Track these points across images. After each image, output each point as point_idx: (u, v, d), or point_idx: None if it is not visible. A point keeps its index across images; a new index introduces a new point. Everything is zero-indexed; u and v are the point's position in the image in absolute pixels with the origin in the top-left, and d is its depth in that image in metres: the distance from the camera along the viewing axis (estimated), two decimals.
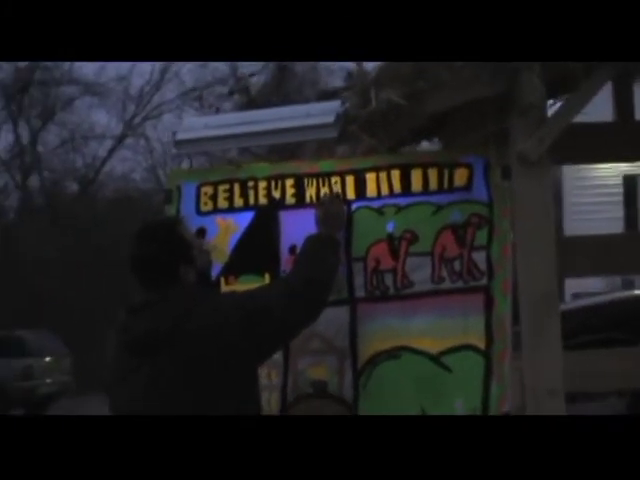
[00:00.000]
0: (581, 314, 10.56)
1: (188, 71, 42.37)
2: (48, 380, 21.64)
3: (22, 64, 33.08)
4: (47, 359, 22.32)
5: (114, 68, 35.71)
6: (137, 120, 35.40)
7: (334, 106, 3.32)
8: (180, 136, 3.61)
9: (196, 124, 3.61)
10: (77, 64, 33.27)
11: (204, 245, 3.55)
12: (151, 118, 35.49)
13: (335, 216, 3.46)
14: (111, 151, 35.69)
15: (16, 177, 36.91)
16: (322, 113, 3.31)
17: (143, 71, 40.85)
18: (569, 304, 13.27)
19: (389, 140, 3.28)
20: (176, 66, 33.55)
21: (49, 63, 32.82)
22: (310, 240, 3.37)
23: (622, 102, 4.10)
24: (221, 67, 28.00)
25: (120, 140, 34.80)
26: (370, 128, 3.22)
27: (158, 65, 33.69)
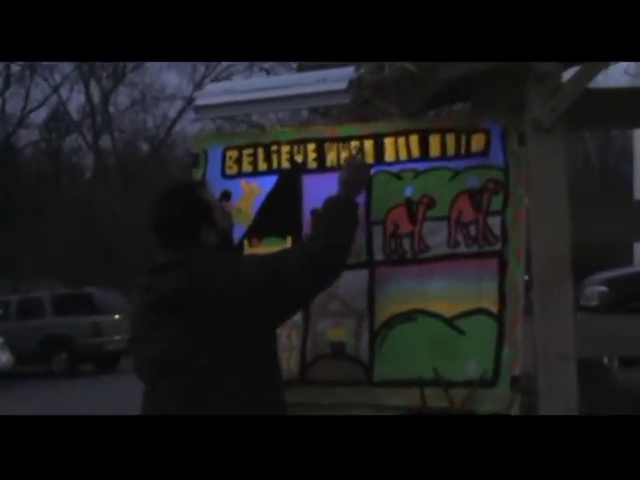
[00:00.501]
0: None
1: None
2: (116, 337, 22.07)
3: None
4: (115, 317, 22.76)
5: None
6: (207, 81, 35.63)
7: (347, 72, 3.36)
8: (199, 102, 3.70)
9: (215, 90, 3.69)
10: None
11: (226, 208, 3.63)
12: (220, 79, 35.73)
13: (359, 178, 3.50)
14: (181, 112, 36.06)
15: (88, 138, 37.48)
16: (336, 79, 3.36)
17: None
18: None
19: (405, 106, 3.30)
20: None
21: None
22: (329, 201, 3.42)
23: None
24: None
25: (190, 101, 35.07)
26: (385, 94, 3.24)
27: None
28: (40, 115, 38.28)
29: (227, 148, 3.85)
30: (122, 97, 37.73)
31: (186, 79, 36.60)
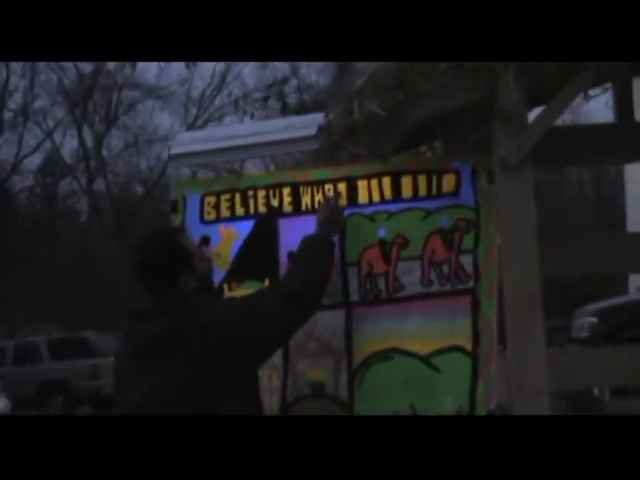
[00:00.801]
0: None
1: (249, 72, 42.82)
2: None
3: (86, 70, 33.62)
4: (112, 359, 22.69)
5: (176, 70, 36.25)
6: (199, 122, 35.86)
7: (317, 118, 3.44)
8: (173, 151, 3.78)
9: (188, 139, 3.78)
10: (140, 68, 33.71)
11: (205, 253, 3.69)
12: (213, 120, 35.98)
13: (334, 218, 3.58)
14: None
15: (82, 181, 37.60)
16: (305, 125, 3.44)
17: (204, 74, 41.35)
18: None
19: (376, 150, 3.38)
20: (237, 67, 33.96)
21: (112, 68, 33.32)
22: (306, 241, 3.51)
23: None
24: (282, 67, 28.37)
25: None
26: (355, 138, 3.32)
27: (219, 67, 34.11)
28: (34, 161, 38.43)
29: (205, 194, 3.92)
30: (115, 140, 37.97)
31: (178, 120, 36.82)
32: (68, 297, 32.54)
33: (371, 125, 3.23)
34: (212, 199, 3.91)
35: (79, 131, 37.24)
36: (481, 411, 3.37)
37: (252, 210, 3.85)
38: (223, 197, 3.90)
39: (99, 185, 36.88)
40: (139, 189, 39.03)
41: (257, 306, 3.28)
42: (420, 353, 3.49)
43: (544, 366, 3.29)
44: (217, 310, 3.29)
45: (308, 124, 3.44)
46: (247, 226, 3.85)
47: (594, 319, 11.07)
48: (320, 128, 3.40)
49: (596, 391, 9.80)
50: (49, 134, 37.78)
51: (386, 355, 3.55)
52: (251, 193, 3.84)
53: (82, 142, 37.30)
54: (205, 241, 3.87)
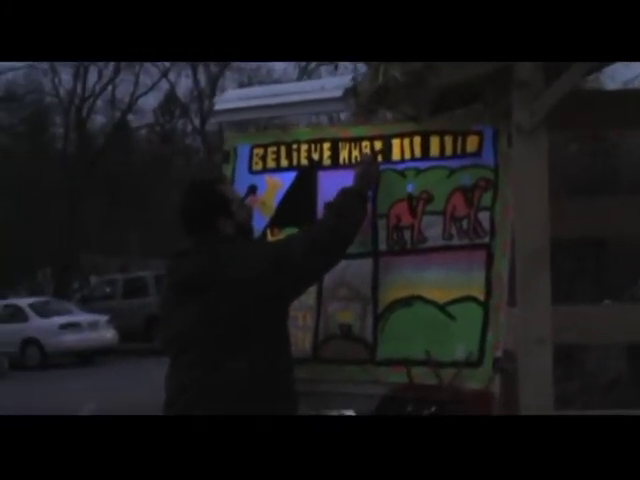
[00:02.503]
0: None
1: None
2: None
3: None
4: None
5: None
6: (312, 66, 36.03)
7: (344, 81, 3.71)
8: (218, 106, 4.12)
9: (233, 96, 4.11)
10: None
11: (247, 202, 4.03)
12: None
13: (370, 174, 3.89)
14: None
15: (195, 122, 38.31)
16: (334, 88, 3.71)
17: None
18: None
19: (403, 112, 3.62)
20: None
21: None
22: (342, 192, 3.82)
23: None
24: None
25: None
26: (380, 101, 3.58)
27: None
28: (148, 100, 39.29)
29: (254, 146, 4.27)
30: (229, 82, 38.45)
31: (292, 64, 36.80)
32: (179, 233, 33.30)
33: (395, 90, 3.47)
34: (260, 151, 4.26)
35: (194, 71, 37.91)
36: (489, 357, 3.63)
37: (295, 162, 4.19)
38: (270, 149, 4.24)
39: (211, 126, 37.48)
40: (250, 130, 39.54)
41: (286, 252, 3.60)
42: (438, 301, 3.77)
43: (549, 317, 3.51)
44: (248, 254, 3.62)
45: (337, 86, 3.71)
46: (290, 177, 4.19)
47: None
48: (347, 91, 3.67)
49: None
50: (165, 74, 38.59)
51: (407, 302, 3.84)
52: (295, 146, 4.18)
53: (196, 83, 38.00)
54: (252, 190, 4.22)
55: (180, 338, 3.61)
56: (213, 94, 36.53)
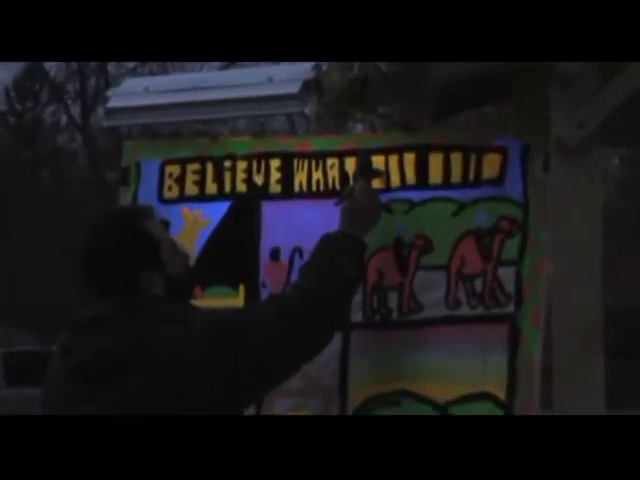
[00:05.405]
0: None
1: None
2: None
3: None
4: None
5: None
6: None
7: (302, 70, 3.47)
8: (113, 103, 3.85)
9: (135, 87, 3.83)
10: None
11: (179, 246, 3.69)
12: None
13: (368, 210, 3.59)
14: None
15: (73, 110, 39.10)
16: (287, 79, 3.48)
17: None
18: None
19: (384, 117, 3.45)
20: None
21: None
22: (326, 240, 3.50)
23: None
24: None
25: None
26: (356, 100, 3.39)
27: None
28: None
29: (166, 162, 4.00)
30: None
31: None
32: (76, 293, 33.64)
33: (378, 85, 3.29)
34: (175, 169, 4.00)
35: None
36: None
37: (228, 188, 3.93)
38: (190, 167, 3.98)
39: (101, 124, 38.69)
40: (161, 138, 41.32)
41: (247, 325, 3.29)
42: (437, 400, 3.56)
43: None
44: (192, 326, 3.29)
45: (291, 77, 3.47)
46: (220, 209, 3.94)
47: None
48: (306, 85, 3.45)
49: None
50: None
51: (392, 399, 3.62)
52: (228, 164, 3.92)
53: None
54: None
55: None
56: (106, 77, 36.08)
